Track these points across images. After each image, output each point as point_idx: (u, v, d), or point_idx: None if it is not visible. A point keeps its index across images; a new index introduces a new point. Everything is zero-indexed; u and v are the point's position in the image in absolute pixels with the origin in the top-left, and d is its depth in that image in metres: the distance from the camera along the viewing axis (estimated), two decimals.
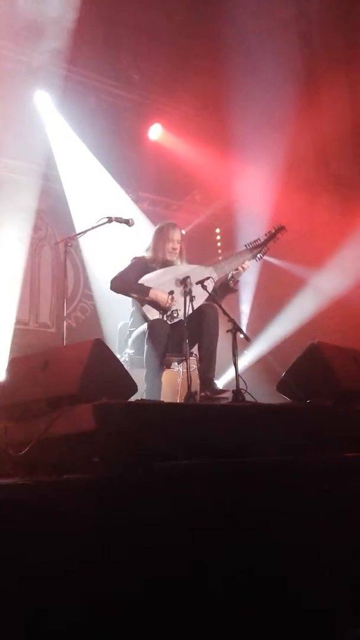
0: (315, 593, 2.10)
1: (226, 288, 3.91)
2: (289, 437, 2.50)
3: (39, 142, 5.89)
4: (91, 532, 1.75)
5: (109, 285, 3.84)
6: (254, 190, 6.61)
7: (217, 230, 7.78)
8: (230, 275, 3.88)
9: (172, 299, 3.67)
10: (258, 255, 3.89)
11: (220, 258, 7.36)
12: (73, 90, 6.18)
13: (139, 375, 3.47)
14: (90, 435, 2.05)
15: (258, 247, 3.88)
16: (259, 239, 3.90)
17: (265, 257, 4.00)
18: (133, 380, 2.59)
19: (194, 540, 1.91)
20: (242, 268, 3.87)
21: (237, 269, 3.86)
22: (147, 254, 3.97)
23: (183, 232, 6.90)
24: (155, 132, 6.81)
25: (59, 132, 6.07)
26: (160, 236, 3.95)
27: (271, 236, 3.90)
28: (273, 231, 3.92)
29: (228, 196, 7.11)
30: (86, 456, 2.07)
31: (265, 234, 3.92)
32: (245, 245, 3.89)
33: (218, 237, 7.76)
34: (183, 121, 6.95)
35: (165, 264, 3.90)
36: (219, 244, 7.74)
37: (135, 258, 4.00)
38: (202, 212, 7.42)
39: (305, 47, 7.21)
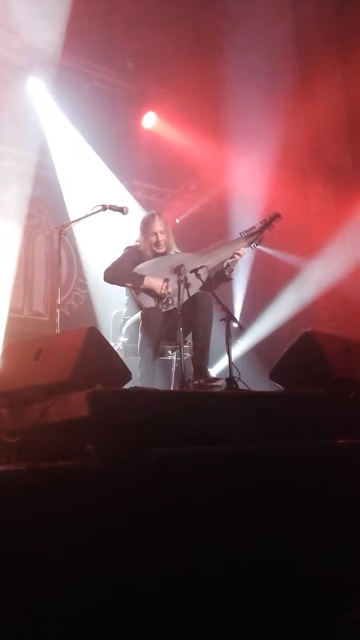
0: (316, 577, 2.13)
1: (221, 276, 3.92)
2: (282, 425, 2.51)
3: (33, 129, 5.84)
4: (85, 519, 1.76)
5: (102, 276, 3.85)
6: (248, 179, 6.60)
7: (212, 219, 7.76)
8: (226, 263, 3.88)
9: (167, 285, 3.68)
10: (253, 243, 3.91)
11: (214, 245, 7.37)
12: (67, 77, 6.13)
13: (133, 363, 3.49)
14: (84, 422, 2.05)
15: (253, 235, 3.89)
16: (254, 226, 3.92)
17: (259, 247, 4.02)
18: (127, 368, 2.61)
19: (188, 528, 1.93)
20: (238, 255, 3.88)
21: (232, 257, 3.86)
22: (139, 244, 3.98)
23: (177, 221, 6.94)
24: (150, 120, 6.77)
25: (52, 119, 6.03)
26: (142, 230, 3.97)
27: (266, 224, 3.92)
28: (268, 219, 3.94)
29: (222, 185, 7.10)
30: (80, 443, 2.08)
31: (261, 222, 3.94)
32: (241, 233, 3.91)
33: (212, 226, 7.74)
34: (177, 110, 6.92)
35: (156, 253, 3.91)
36: (213, 233, 7.72)
37: (127, 248, 4.01)
38: (197, 201, 7.40)
39: (300, 36, 7.18)
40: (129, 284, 3.82)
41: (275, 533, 2.12)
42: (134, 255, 3.92)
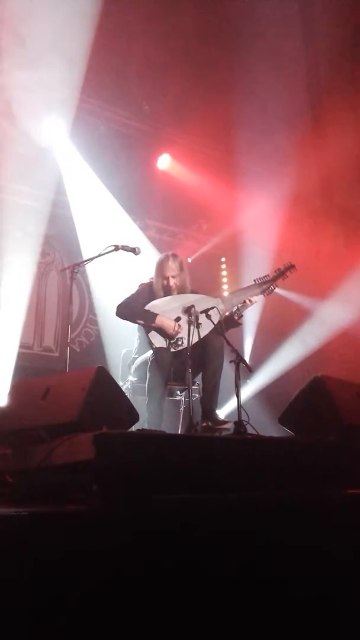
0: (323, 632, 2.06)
1: (230, 321, 3.91)
2: (290, 472, 2.47)
3: (49, 169, 5.97)
4: (85, 566, 1.72)
5: (114, 311, 3.85)
6: (259, 221, 6.67)
7: (223, 259, 7.83)
8: (236, 307, 3.89)
9: (179, 326, 3.68)
10: (266, 292, 3.91)
11: (226, 289, 7.41)
12: (84, 119, 6.30)
13: (141, 403, 3.47)
14: (89, 465, 2.03)
15: (266, 283, 3.90)
16: (267, 275, 3.93)
17: None
18: (135, 409, 2.58)
19: (192, 579, 1.88)
20: (250, 302, 3.88)
21: (244, 302, 3.87)
22: (152, 282, 4.00)
23: (189, 260, 6.99)
24: (164, 161, 6.91)
25: (69, 159, 6.17)
26: (157, 271, 3.99)
27: (280, 274, 3.94)
28: (282, 269, 3.96)
29: (234, 226, 7.17)
30: (84, 486, 2.05)
31: (275, 271, 3.95)
32: (254, 280, 3.92)
33: (223, 266, 7.81)
34: (191, 152, 7.06)
35: (168, 293, 3.92)
36: (224, 273, 7.78)
37: (141, 285, 4.03)
38: (208, 241, 7.48)
39: (312, 81, 7.35)
40: (141, 321, 3.82)
41: (283, 583, 2.06)
42: (146, 293, 3.93)
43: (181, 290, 3.95)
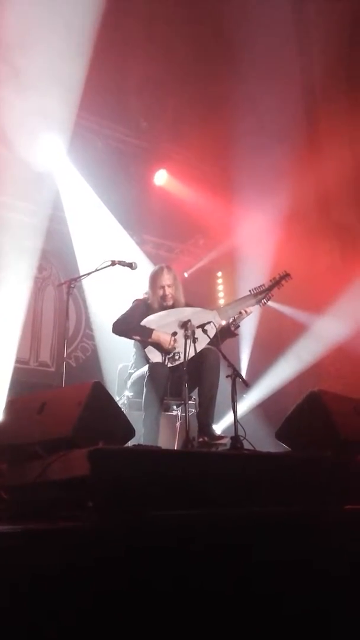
0: None
1: (226, 332, 3.92)
2: (287, 487, 2.45)
3: (47, 184, 6.00)
4: (81, 583, 1.70)
5: (111, 328, 3.85)
6: (256, 236, 6.70)
7: (219, 274, 7.86)
8: (232, 318, 3.89)
9: (175, 340, 3.67)
10: (262, 301, 3.92)
11: (222, 302, 7.42)
12: (82, 135, 6.35)
13: (137, 418, 3.45)
14: (84, 481, 2.01)
15: (262, 293, 3.91)
16: (263, 284, 3.94)
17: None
18: (131, 425, 2.57)
19: (189, 595, 1.86)
20: (245, 312, 3.88)
21: (240, 313, 3.87)
22: (147, 297, 4.01)
23: (185, 274, 7.01)
24: (161, 177, 6.96)
25: (66, 175, 6.20)
26: (151, 283, 4.01)
27: (275, 283, 3.94)
28: (278, 278, 3.96)
29: (231, 241, 7.20)
30: (80, 502, 2.03)
31: (270, 280, 3.96)
32: (250, 291, 3.93)
33: (219, 281, 7.84)
34: (188, 168, 7.11)
35: (164, 307, 3.93)
36: (220, 287, 7.81)
37: (135, 301, 4.04)
38: (205, 256, 7.52)
39: (308, 97, 7.41)
40: (137, 337, 3.82)
41: (280, 599, 2.04)
42: (142, 308, 3.94)
43: (176, 300, 3.96)
